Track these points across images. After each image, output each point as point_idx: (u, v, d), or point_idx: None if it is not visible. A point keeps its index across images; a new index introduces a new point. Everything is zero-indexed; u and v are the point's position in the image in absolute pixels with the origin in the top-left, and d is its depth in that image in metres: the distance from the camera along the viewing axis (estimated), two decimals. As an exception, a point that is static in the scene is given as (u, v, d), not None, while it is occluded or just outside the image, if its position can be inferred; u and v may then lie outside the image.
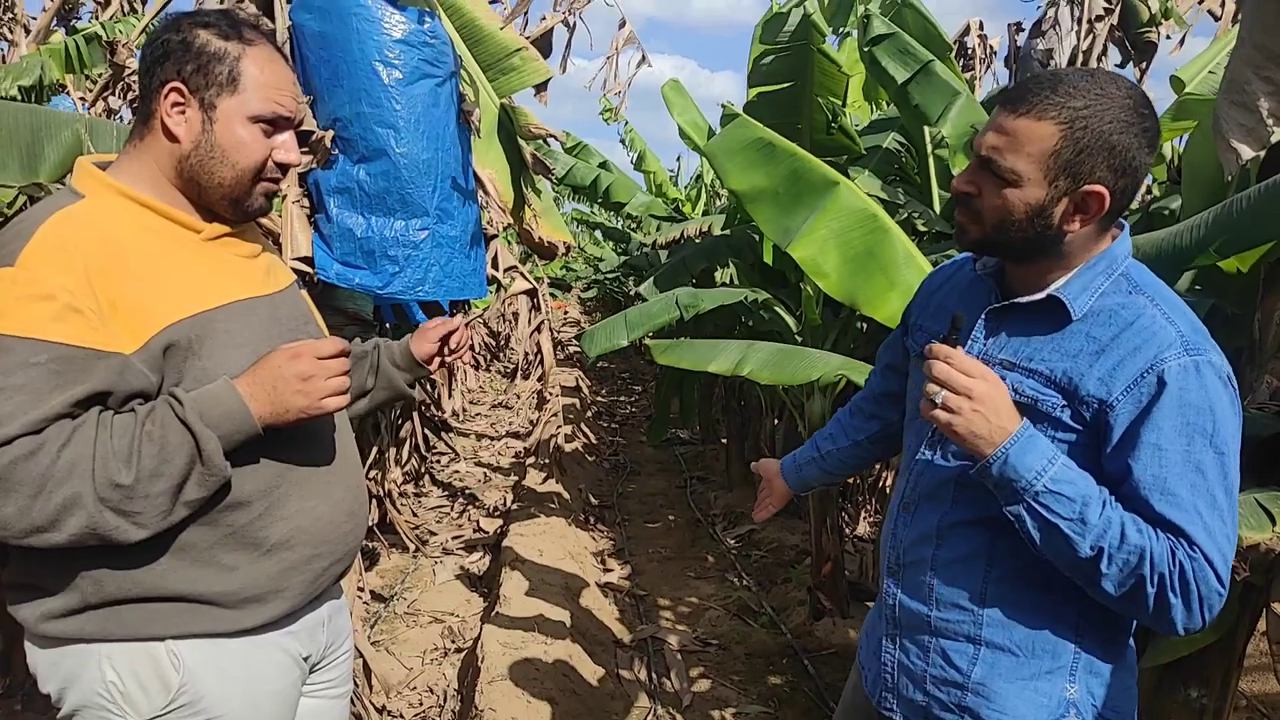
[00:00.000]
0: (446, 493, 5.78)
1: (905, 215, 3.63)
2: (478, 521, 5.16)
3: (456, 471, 6.38)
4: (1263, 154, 1.68)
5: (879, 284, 2.48)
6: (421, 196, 2.34)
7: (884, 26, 3.40)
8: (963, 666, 1.17)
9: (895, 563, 1.26)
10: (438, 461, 6.38)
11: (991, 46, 6.42)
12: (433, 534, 4.91)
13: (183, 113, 1.16)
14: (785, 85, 3.56)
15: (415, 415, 4.91)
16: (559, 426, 5.64)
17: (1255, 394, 1.77)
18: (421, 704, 3.08)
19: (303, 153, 2.31)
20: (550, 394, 4.80)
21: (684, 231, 4.94)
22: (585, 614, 3.72)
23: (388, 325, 3.39)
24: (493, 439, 7.67)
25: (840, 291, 2.53)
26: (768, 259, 4.15)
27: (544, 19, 3.21)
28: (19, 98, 3.76)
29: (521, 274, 3.67)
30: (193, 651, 1.15)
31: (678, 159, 11.37)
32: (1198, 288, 2.24)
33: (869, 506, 4.72)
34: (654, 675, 3.33)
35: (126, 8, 5.29)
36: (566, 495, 5.36)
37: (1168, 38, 4.88)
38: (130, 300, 1.07)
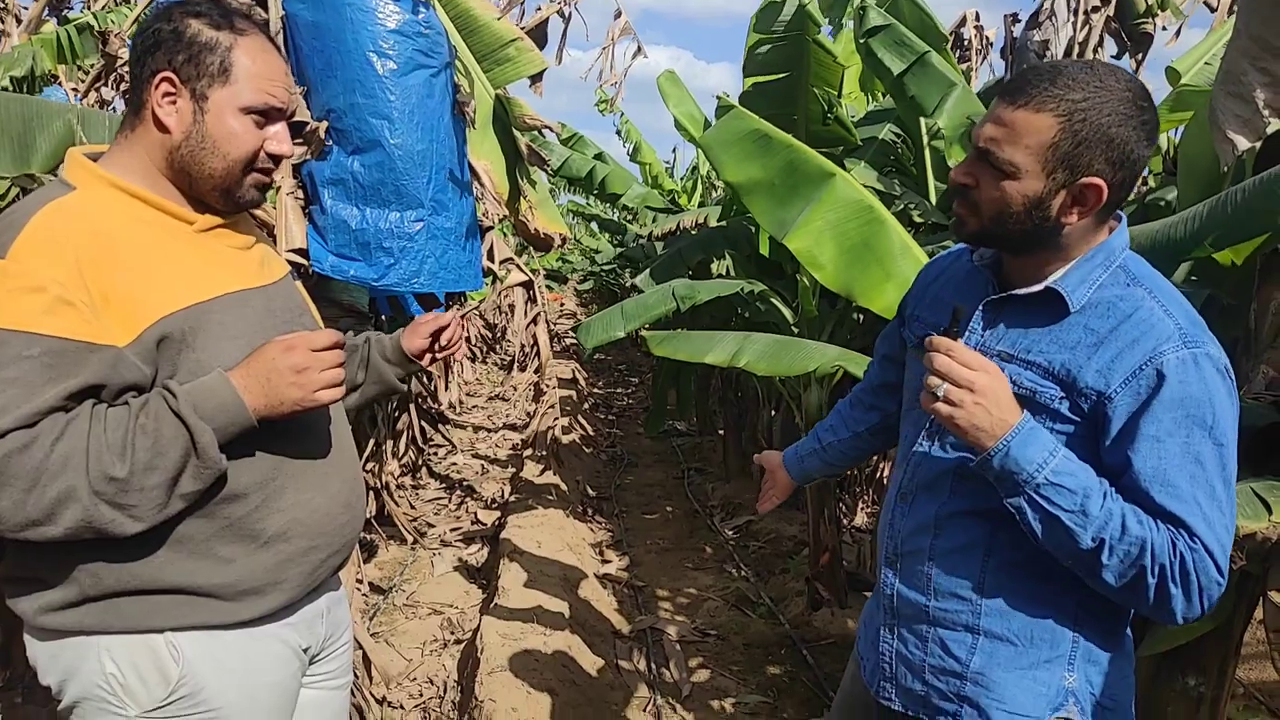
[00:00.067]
0: (444, 485, 5.79)
1: (901, 206, 3.63)
2: (475, 513, 5.16)
3: (454, 464, 6.38)
4: (1259, 145, 1.68)
5: (875, 275, 2.48)
6: (416, 188, 2.33)
7: (880, 18, 3.39)
8: (961, 656, 1.18)
9: (893, 553, 1.26)
10: (435, 454, 6.38)
11: (988, 38, 6.41)
12: (431, 526, 4.91)
13: (174, 103, 1.15)
14: (781, 76, 3.55)
15: (412, 407, 4.91)
16: (556, 418, 5.65)
17: (1251, 384, 1.77)
18: (421, 695, 3.09)
19: (297, 144, 2.30)
20: (547, 386, 4.81)
21: (680, 223, 4.93)
22: (584, 605, 3.73)
23: (383, 317, 3.38)
24: (490, 431, 7.67)
25: (836, 283, 2.53)
26: (764, 250, 4.15)
27: (539, 9, 3.19)
28: (10, 88, 3.74)
29: (517, 266, 3.66)
30: (192, 643, 1.15)
31: (673, 150, 11.35)
32: (1194, 278, 2.24)
33: (866, 497, 4.73)
34: (653, 665, 3.35)
35: (118, -2, 5.25)
36: (564, 487, 5.36)
37: (1164, 29, 4.87)
38: (122, 292, 1.07)
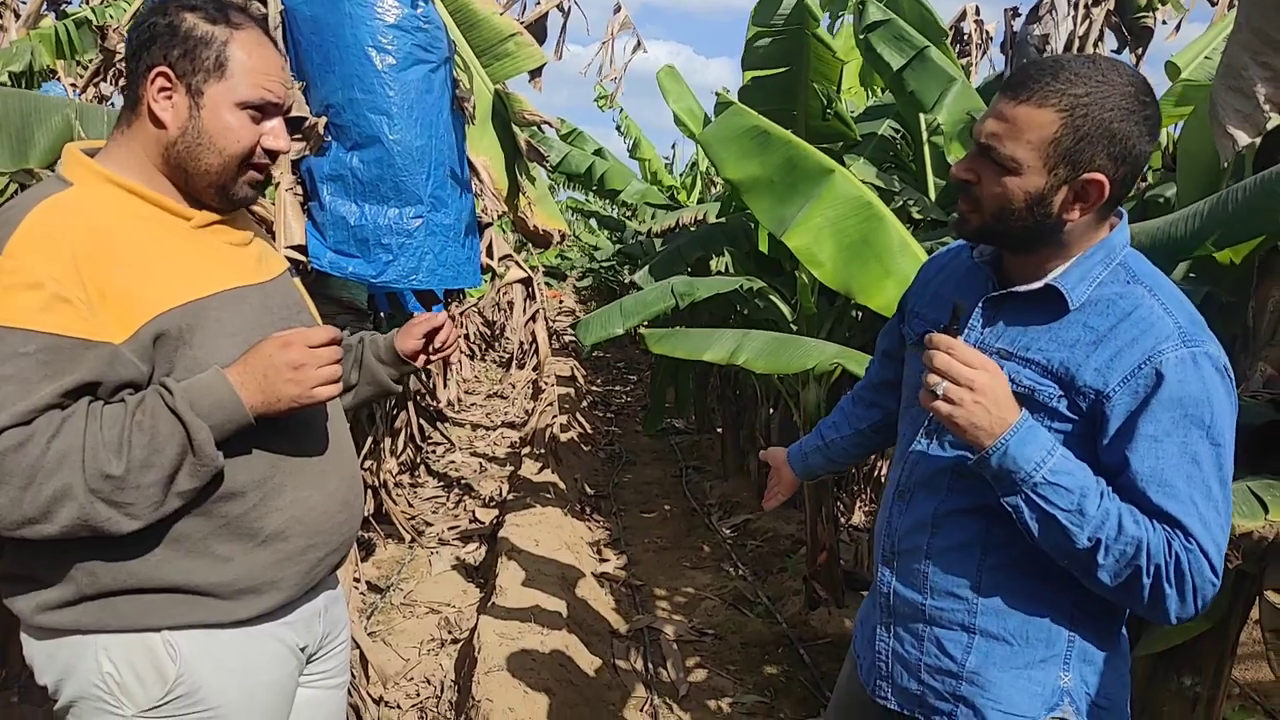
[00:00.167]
0: (442, 483, 5.78)
1: (900, 203, 3.63)
2: (473, 512, 5.16)
3: (452, 462, 6.38)
4: (1259, 140, 1.67)
5: (874, 272, 2.47)
6: (415, 184, 2.33)
7: (880, 12, 3.38)
8: (957, 655, 1.17)
9: (890, 551, 1.26)
10: (433, 452, 6.37)
11: (988, 32, 6.39)
12: (429, 524, 4.91)
13: (169, 98, 1.14)
14: (780, 70, 3.55)
15: (410, 405, 4.90)
16: (554, 416, 5.64)
17: (1249, 382, 1.77)
18: (418, 694, 3.09)
19: (296, 139, 2.29)
20: (545, 383, 4.80)
21: (679, 219, 4.92)
22: (581, 604, 3.73)
23: (382, 314, 3.38)
24: (488, 429, 7.67)
25: (835, 280, 2.53)
26: (763, 247, 4.15)
27: (539, 4, 3.18)
28: (9, 83, 3.72)
29: (516, 262, 3.65)
30: (189, 642, 1.14)
31: (673, 146, 11.35)
32: (1192, 275, 2.24)
33: (864, 496, 4.74)
34: (650, 665, 3.34)
35: (116, -7, 5.23)
36: (562, 485, 5.36)
37: (1164, 23, 4.87)
38: (119, 289, 1.06)
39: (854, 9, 3.52)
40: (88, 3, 5.11)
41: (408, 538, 4.47)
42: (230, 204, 1.22)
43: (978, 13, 6.37)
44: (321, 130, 2.30)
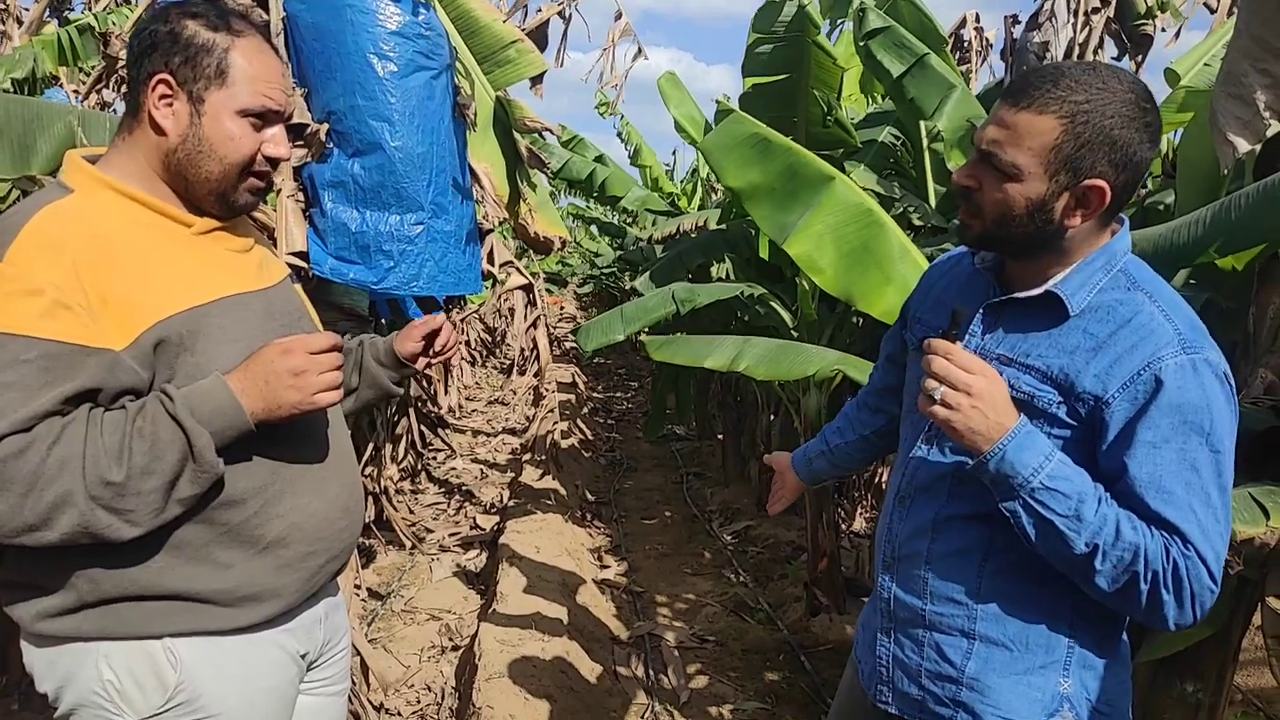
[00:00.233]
0: (443, 490, 5.77)
1: (901, 209, 3.63)
2: (474, 518, 5.15)
3: (453, 468, 6.37)
4: (1259, 147, 1.67)
5: (874, 279, 2.48)
6: (416, 191, 2.33)
7: (880, 20, 3.40)
8: (957, 661, 1.17)
9: (890, 556, 1.26)
10: (434, 458, 6.37)
11: (988, 39, 6.41)
12: (429, 531, 4.90)
13: (170, 105, 1.14)
14: (781, 77, 3.55)
15: (411, 411, 4.90)
16: (555, 423, 5.64)
17: (1249, 388, 1.77)
18: (419, 702, 3.08)
19: (297, 146, 2.30)
20: (546, 390, 4.81)
21: (680, 226, 4.93)
22: (582, 611, 3.72)
23: (383, 320, 3.38)
24: (489, 435, 7.67)
25: (836, 287, 2.53)
26: (764, 254, 4.15)
27: (540, 11, 3.19)
28: (12, 90, 3.74)
29: (517, 269, 3.66)
30: (190, 650, 1.14)
31: (674, 153, 11.33)
32: (1193, 282, 2.24)
33: (865, 502, 4.73)
34: (651, 672, 3.34)
35: None
36: (563, 492, 5.35)
37: (1163, 30, 4.88)
38: (120, 295, 1.06)
39: (854, 16, 3.53)
40: (90, 9, 5.13)
41: (408, 544, 4.46)
42: (231, 211, 1.22)
43: (978, 20, 6.39)
44: (323, 137, 2.30)
